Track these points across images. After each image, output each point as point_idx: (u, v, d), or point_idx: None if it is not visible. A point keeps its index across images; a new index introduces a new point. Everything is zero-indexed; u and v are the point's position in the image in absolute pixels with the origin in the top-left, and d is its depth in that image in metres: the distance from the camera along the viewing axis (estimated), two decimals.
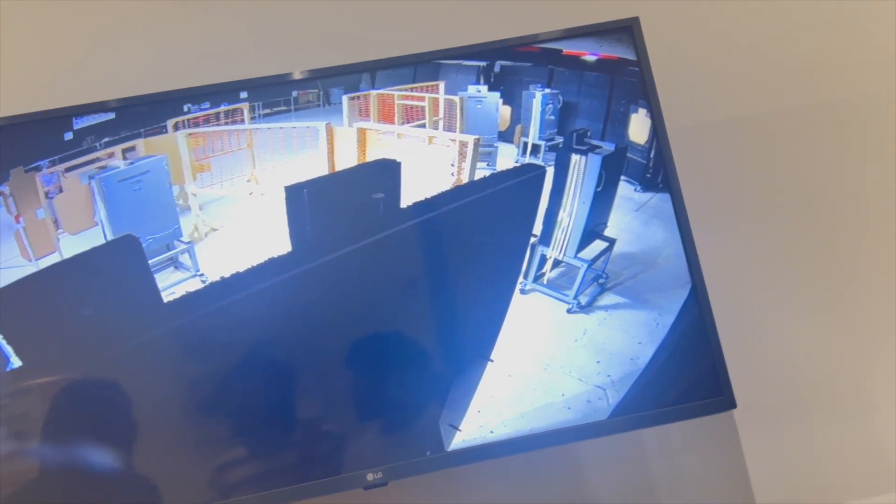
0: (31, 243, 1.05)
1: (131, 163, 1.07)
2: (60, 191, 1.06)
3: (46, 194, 1.06)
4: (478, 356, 1.09)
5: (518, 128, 1.16)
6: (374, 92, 1.14)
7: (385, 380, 1.07)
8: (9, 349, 1.01)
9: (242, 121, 1.11)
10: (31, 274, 1.04)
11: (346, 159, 1.12)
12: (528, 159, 1.15)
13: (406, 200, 1.11)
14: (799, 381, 1.29)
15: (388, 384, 1.07)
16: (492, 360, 1.09)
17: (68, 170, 1.06)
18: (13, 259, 1.05)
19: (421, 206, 1.11)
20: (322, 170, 1.11)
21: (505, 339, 1.08)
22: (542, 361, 1.08)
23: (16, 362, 1.02)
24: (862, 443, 1.28)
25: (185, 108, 1.09)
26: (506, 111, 1.15)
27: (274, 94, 1.12)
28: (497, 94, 1.15)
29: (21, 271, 1.05)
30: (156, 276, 1.05)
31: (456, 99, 1.15)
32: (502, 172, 1.13)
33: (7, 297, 1.02)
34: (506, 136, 1.15)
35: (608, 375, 1.08)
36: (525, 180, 1.14)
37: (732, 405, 1.08)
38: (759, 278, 1.32)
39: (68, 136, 1.07)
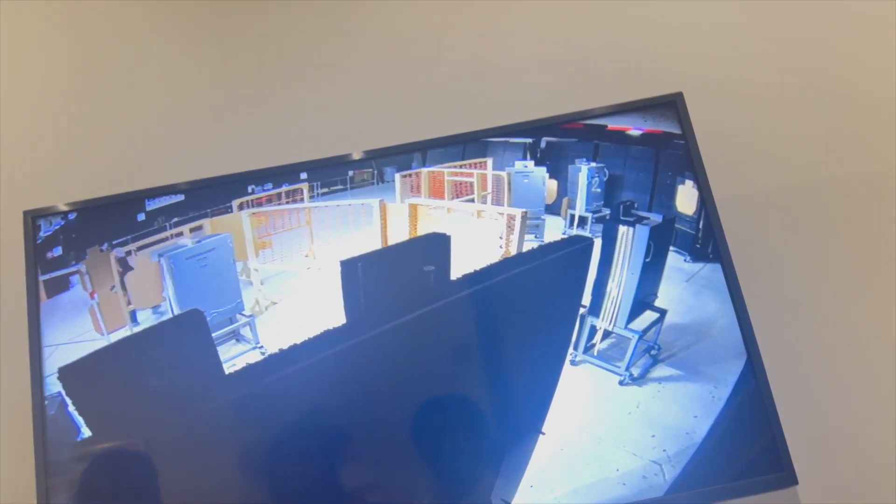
0: (103, 318, 1.12)
1: (198, 241, 1.14)
2: (132, 268, 1.13)
3: (119, 271, 1.13)
4: (529, 429, 1.08)
5: (565, 200, 1.18)
6: (425, 169, 1.19)
7: (436, 452, 1.08)
8: (80, 419, 1.06)
9: (302, 200, 1.17)
10: (102, 347, 1.10)
11: (399, 234, 1.16)
12: (575, 231, 1.17)
13: (456, 273, 1.14)
14: (865, 454, 1.24)
15: (440, 456, 1.08)
16: (543, 433, 1.08)
17: (140, 248, 1.14)
18: (87, 333, 1.12)
19: (471, 279, 1.13)
20: (376, 244, 1.15)
21: (556, 412, 1.08)
22: (595, 435, 1.07)
23: (86, 432, 1.07)
24: None
25: (249, 189, 1.16)
26: (552, 185, 1.19)
27: (331, 174, 1.18)
28: (543, 169, 1.19)
29: (93, 345, 1.11)
30: (218, 348, 1.10)
31: (503, 174, 1.19)
32: (550, 244, 1.16)
33: (79, 369, 1.08)
34: (553, 209, 1.18)
35: (664, 450, 1.06)
36: (573, 252, 1.16)
37: (794, 481, 1.04)
38: (817, 347, 1.28)
39: (141, 216, 1.15)
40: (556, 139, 1.19)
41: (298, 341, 1.10)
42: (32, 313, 1.12)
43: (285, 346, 1.10)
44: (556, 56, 1.43)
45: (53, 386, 1.08)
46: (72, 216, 1.14)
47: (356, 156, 1.18)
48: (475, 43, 1.45)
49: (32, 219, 1.14)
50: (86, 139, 1.39)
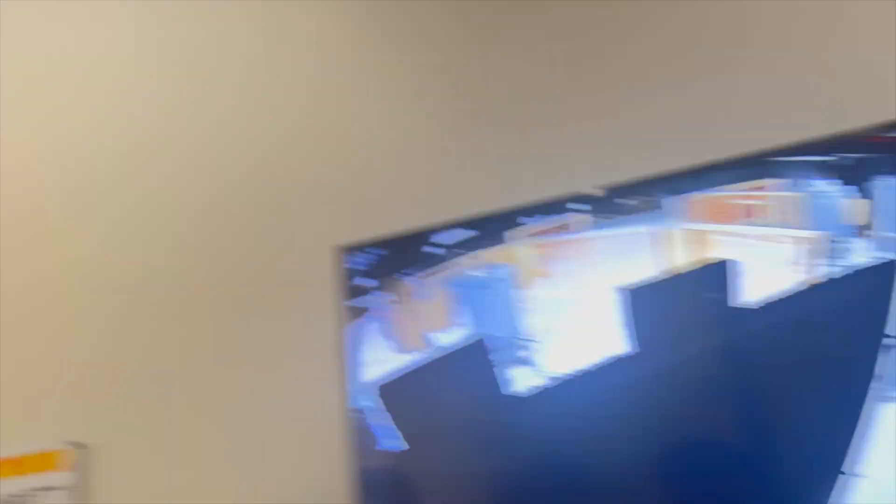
0: (400, 341, 1.24)
1: (485, 271, 1.22)
2: (426, 296, 1.24)
3: (414, 299, 1.24)
4: (828, 468, 1.01)
5: (870, 222, 1.07)
6: (704, 193, 1.15)
7: (726, 490, 1.06)
8: (399, 433, 1.20)
9: (578, 230, 1.19)
10: (411, 369, 1.23)
11: (679, 261, 1.14)
12: (882, 255, 1.06)
13: (745, 301, 1.09)
14: None
15: (730, 495, 1.05)
16: (845, 473, 1.01)
17: (433, 277, 1.24)
18: (386, 354, 1.25)
19: (759, 307, 1.08)
20: (654, 273, 1.14)
21: (871, 453, 1.00)
22: None
23: (388, 444, 1.20)
24: None
25: (527, 221, 1.21)
26: (857, 205, 1.08)
27: (608, 204, 1.19)
28: (845, 189, 1.09)
29: (390, 366, 1.23)
30: (504, 372, 1.17)
31: (795, 195, 1.11)
32: (854, 271, 1.06)
33: (394, 387, 1.22)
34: (858, 232, 1.08)
35: None
36: (877, 278, 1.06)
37: None
38: None
39: (432, 249, 1.25)
40: (860, 155, 1.09)
41: (578, 369, 1.13)
42: (339, 336, 1.27)
43: (566, 373, 1.14)
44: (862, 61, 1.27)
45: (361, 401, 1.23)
46: (372, 249, 1.28)
47: (633, 183, 1.17)
48: (757, 55, 1.33)
49: (341, 252, 1.29)
50: (377, 178, 1.50)
